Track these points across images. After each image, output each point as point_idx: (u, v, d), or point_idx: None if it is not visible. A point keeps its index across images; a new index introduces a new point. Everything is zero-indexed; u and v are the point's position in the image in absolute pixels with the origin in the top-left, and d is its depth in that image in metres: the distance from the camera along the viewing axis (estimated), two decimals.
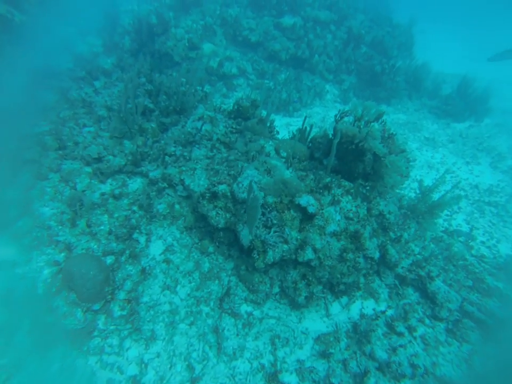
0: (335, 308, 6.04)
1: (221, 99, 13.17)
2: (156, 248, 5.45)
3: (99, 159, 5.58)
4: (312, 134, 7.09)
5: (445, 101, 13.92)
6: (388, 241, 6.61)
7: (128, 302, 4.73)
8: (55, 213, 5.17)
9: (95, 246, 4.90)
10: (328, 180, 5.87)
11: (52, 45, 11.85)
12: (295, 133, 7.95)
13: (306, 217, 5.25)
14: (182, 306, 5.31)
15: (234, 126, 6.71)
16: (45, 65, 8.16)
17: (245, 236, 5.03)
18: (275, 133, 7.06)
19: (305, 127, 7.19)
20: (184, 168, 5.79)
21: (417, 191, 7.56)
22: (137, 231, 5.43)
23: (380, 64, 14.09)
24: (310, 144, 7.14)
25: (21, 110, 6.15)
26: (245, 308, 5.53)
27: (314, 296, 5.61)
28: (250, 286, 5.48)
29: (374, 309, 6.01)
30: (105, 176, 5.51)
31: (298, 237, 5.19)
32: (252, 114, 6.82)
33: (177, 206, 5.62)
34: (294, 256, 5.21)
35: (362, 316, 5.81)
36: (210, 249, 5.65)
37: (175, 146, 6.10)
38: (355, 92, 14.67)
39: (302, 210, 5.19)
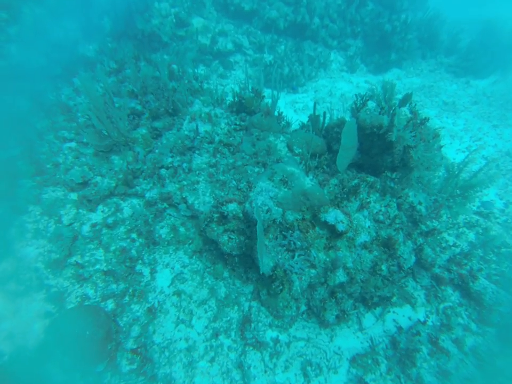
0: (368, 319, 5.29)
1: (218, 80, 11.87)
2: (164, 279, 4.66)
3: (85, 183, 4.66)
4: (320, 123, 6.02)
5: (465, 56, 12.30)
6: (421, 238, 5.73)
7: (137, 352, 4.01)
8: (41, 253, 4.35)
9: (91, 291, 4.12)
10: (354, 182, 4.91)
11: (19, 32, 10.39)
12: (306, 123, 6.88)
13: (335, 234, 4.38)
14: (200, 341, 4.60)
15: (238, 123, 5.66)
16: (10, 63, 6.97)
17: (265, 264, 4.19)
18: (285, 124, 5.98)
19: (318, 115, 6.11)
20: (185, 183, 4.85)
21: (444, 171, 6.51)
22: (140, 261, 4.61)
23: (390, 22, 12.45)
24: (324, 133, 6.09)
25: None
26: (270, 334, 4.81)
27: (345, 313, 4.86)
28: (275, 312, 4.72)
29: (411, 318, 5.26)
30: (95, 203, 4.61)
31: (327, 259, 4.34)
32: (256, 106, 5.72)
33: (181, 229, 4.75)
34: (323, 279, 4.41)
35: (399, 329, 5.07)
36: (225, 274, 4.85)
37: (172, 156, 5.11)
38: (362, 57, 13.14)
39: (330, 227, 4.30)
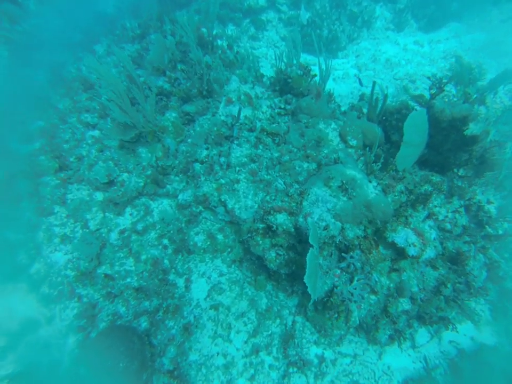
0: (421, 336, 4.64)
1: (249, 42, 10.52)
2: (199, 290, 4.09)
3: (110, 182, 3.97)
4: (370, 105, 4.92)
5: None
6: (487, 242, 4.85)
7: (173, 375, 3.56)
8: (70, 259, 3.83)
9: (123, 309, 3.60)
10: (423, 189, 3.99)
11: None
12: (357, 103, 5.77)
13: (402, 256, 3.59)
14: (238, 356, 4.11)
15: (282, 106, 4.69)
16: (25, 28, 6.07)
17: (318, 288, 3.50)
18: (335, 107, 4.95)
19: (377, 98, 5.01)
20: (223, 181, 4.07)
21: None
22: (173, 271, 4.03)
23: None
24: (383, 118, 5.04)
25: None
26: (314, 351, 4.27)
27: (401, 334, 4.22)
28: (322, 331, 4.13)
29: (473, 338, 4.58)
30: (122, 206, 3.95)
31: (391, 284, 3.60)
32: (305, 87, 4.69)
33: (219, 236, 4.07)
34: (382, 305, 3.72)
35: (461, 352, 4.41)
36: (269, 287, 4.22)
37: (207, 148, 4.29)
38: (414, 11, 11.15)
39: (397, 249, 3.50)
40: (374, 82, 4.95)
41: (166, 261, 3.91)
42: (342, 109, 5.64)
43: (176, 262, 3.99)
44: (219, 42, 9.90)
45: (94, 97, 5.28)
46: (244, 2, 10.51)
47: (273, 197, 3.91)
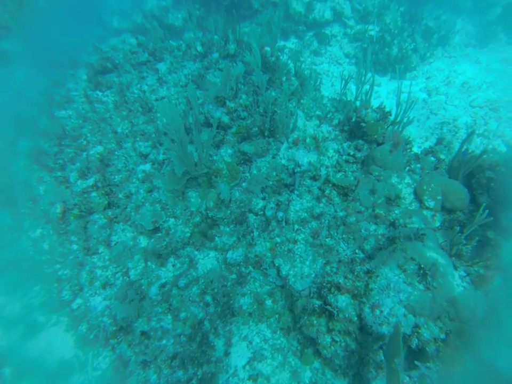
0: None
1: (311, 57, 9.74)
2: (239, 356, 3.56)
3: (156, 229, 3.56)
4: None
5: None
6: None
7: None
8: (108, 306, 3.51)
9: (154, 377, 3.18)
10: None
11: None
12: (434, 146, 4.81)
13: None
14: None
15: (352, 153, 3.95)
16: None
17: None
18: (413, 158, 4.10)
19: (466, 148, 4.06)
20: (278, 240, 3.48)
21: None
22: (213, 330, 3.53)
23: None
24: (463, 170, 4.08)
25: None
26: None
27: None
28: None
29: None
30: (165, 257, 3.52)
31: None
32: (380, 135, 3.90)
33: (268, 302, 3.50)
34: None
35: None
36: (316, 364, 3.57)
37: (264, 198, 3.71)
38: (507, 22, 9.43)
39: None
40: (471, 133, 3.98)
41: (206, 324, 3.42)
42: (414, 149, 4.77)
43: (217, 322, 3.49)
44: (282, 57, 9.27)
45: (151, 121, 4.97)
46: (308, 15, 9.72)
47: (334, 269, 3.23)
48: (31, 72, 5.42)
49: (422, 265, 2.91)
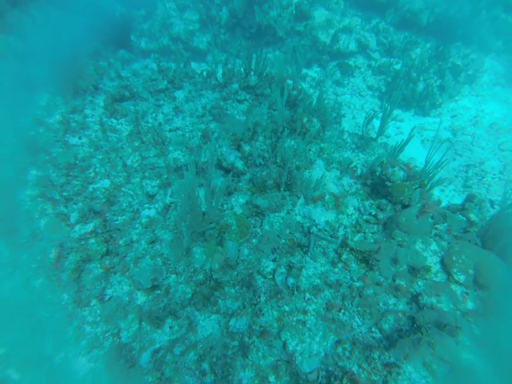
0: None
1: (332, 87, 9.38)
2: None
3: (154, 287, 3.18)
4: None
5: None
6: None
7: None
8: (92, 370, 3.10)
9: None
10: None
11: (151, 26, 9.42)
12: (463, 203, 4.29)
13: None
14: None
15: (373, 212, 3.50)
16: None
17: None
18: (440, 219, 3.60)
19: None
20: (287, 309, 3.04)
21: None
22: None
23: None
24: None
25: None
26: None
27: None
28: None
29: None
30: (162, 319, 3.12)
31: None
32: (407, 197, 3.44)
33: (271, 379, 3.03)
34: None
35: None
36: None
37: (274, 260, 3.29)
38: None
39: None
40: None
41: None
42: (436, 192, 4.27)
43: None
44: (303, 84, 8.93)
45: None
46: (333, 45, 9.42)
47: (347, 353, 2.76)
48: (54, 98, 5.23)
49: (455, 369, 2.41)
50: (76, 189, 4.19)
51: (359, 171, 3.95)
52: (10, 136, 4.75)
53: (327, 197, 3.54)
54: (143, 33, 9.58)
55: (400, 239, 3.36)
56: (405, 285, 3.27)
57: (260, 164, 3.69)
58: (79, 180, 4.33)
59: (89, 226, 3.52)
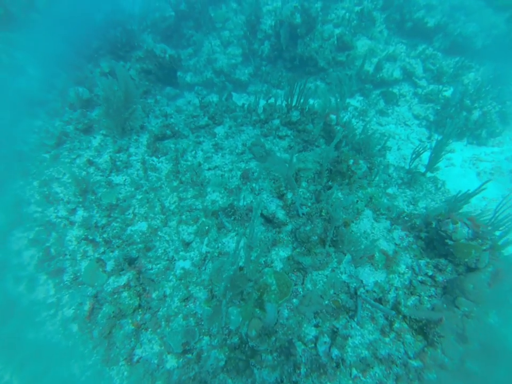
0: None
1: (376, 117, 8.87)
2: None
3: (186, 351, 2.90)
4: None
5: None
6: None
7: None
8: None
9: None
10: None
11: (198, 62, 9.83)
12: None
13: None
14: None
15: (430, 273, 2.96)
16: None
17: None
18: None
19: None
20: None
21: None
22: None
23: None
24: None
25: None
26: None
27: None
28: None
29: None
30: None
31: None
32: (474, 257, 2.85)
33: None
34: None
35: None
36: None
37: (316, 325, 2.87)
38: None
39: None
40: None
41: None
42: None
43: None
44: (346, 115, 8.53)
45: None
46: (376, 74, 8.99)
47: None
48: (105, 139, 5.45)
49: None
50: (115, 231, 4.15)
51: (414, 222, 3.43)
52: (65, 177, 4.97)
53: (377, 255, 3.08)
54: (189, 69, 9.95)
55: (466, 309, 2.77)
56: (477, 371, 2.64)
57: (303, 214, 3.34)
58: (118, 222, 4.30)
59: (123, 279, 3.38)
